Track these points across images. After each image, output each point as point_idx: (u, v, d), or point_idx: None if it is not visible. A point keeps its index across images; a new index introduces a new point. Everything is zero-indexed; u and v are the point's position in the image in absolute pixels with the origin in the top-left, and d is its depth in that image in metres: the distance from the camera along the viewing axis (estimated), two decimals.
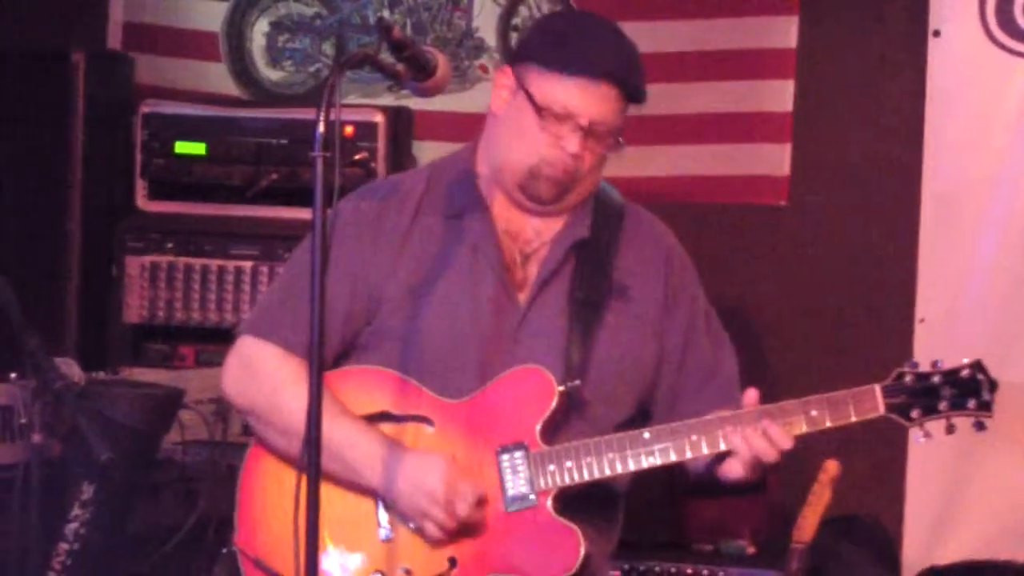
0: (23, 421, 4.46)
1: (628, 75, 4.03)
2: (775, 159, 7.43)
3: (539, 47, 4.08)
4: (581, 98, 3.96)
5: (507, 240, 4.11)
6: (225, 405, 5.43)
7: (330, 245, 3.87)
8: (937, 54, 7.37)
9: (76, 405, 4.49)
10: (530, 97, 3.99)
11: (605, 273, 4.10)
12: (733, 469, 3.92)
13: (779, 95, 7.44)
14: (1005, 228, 7.30)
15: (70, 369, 4.87)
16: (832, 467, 5.64)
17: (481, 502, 3.89)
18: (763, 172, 7.40)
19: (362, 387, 4.04)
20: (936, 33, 7.36)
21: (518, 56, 4.16)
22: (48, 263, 6.83)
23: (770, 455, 3.86)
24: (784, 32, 7.43)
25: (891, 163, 7.40)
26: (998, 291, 7.27)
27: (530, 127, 4.00)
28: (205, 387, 5.13)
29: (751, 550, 6.63)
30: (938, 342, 7.32)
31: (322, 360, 3.55)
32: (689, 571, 6.47)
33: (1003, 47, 7.31)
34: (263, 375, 4.04)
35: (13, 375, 4.47)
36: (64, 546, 4.55)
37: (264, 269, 6.81)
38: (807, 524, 5.72)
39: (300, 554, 3.39)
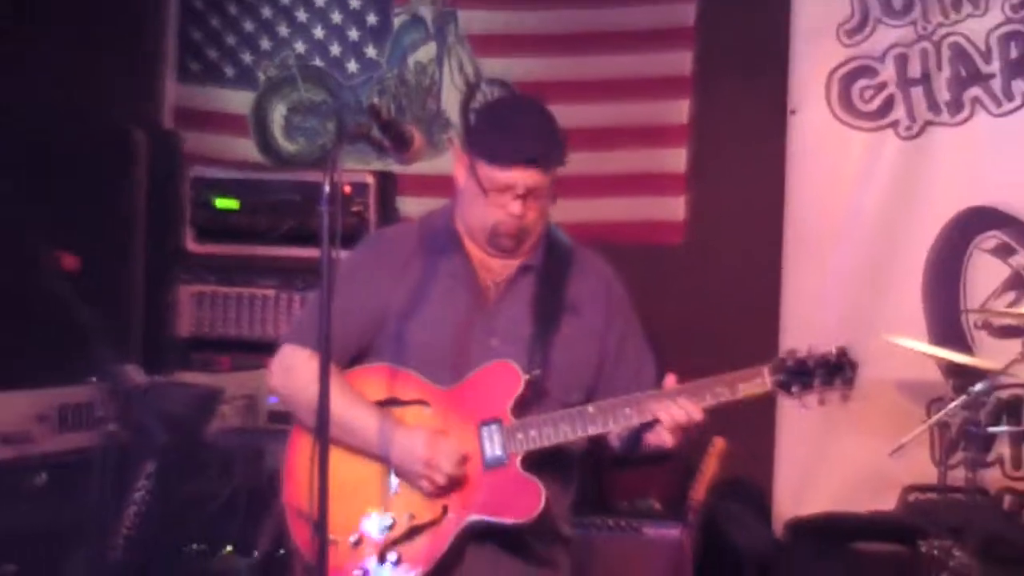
0: (100, 414, 4.44)
1: (549, 155, 4.02)
2: (673, 208, 7.45)
3: (480, 141, 4.06)
4: (515, 178, 3.96)
5: (482, 271, 4.12)
6: (254, 400, 5.43)
7: (349, 279, 4.08)
8: (794, 127, 7.38)
9: (140, 401, 4.48)
10: (479, 181, 4.00)
11: (559, 294, 4.11)
12: (659, 437, 3.93)
13: (675, 159, 7.46)
14: (848, 260, 7.34)
15: (136, 373, 4.85)
16: (719, 443, 5.66)
17: (463, 461, 3.91)
18: (664, 218, 7.41)
19: (376, 380, 4.06)
20: (793, 112, 7.38)
21: (468, 144, 4.15)
22: (119, 292, 6.80)
23: (686, 422, 3.88)
24: (678, 111, 7.45)
25: (761, 211, 7.40)
26: (843, 307, 7.28)
27: (482, 199, 4.01)
28: (238, 387, 5.12)
29: (658, 507, 6.62)
30: (796, 345, 7.33)
31: (328, 359, 3.60)
32: (611, 523, 6.46)
33: (843, 122, 7.34)
34: (298, 373, 4.03)
35: (92, 379, 4.44)
36: (132, 509, 4.53)
37: (283, 296, 6.81)
38: (700, 486, 5.73)
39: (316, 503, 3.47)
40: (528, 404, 3.99)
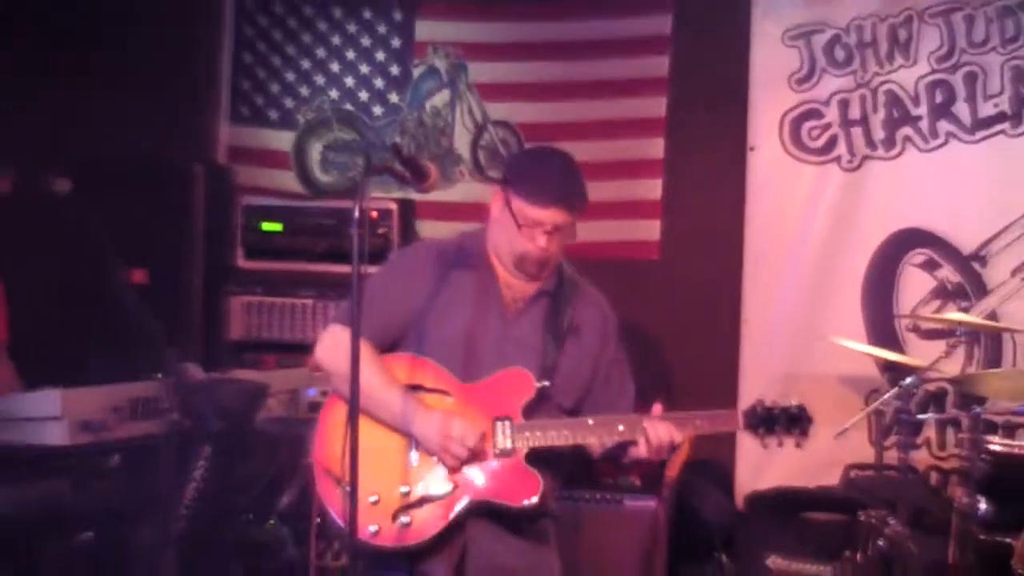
0: (164, 406, 4.45)
1: (574, 199, 4.12)
2: (651, 229, 7.45)
3: (516, 181, 4.11)
4: (545, 216, 4.03)
5: (505, 289, 4.18)
6: (295, 394, 5.44)
7: (394, 276, 4.22)
8: (752, 162, 7.40)
9: (198, 394, 4.49)
10: (513, 215, 4.05)
11: (566, 318, 4.17)
12: (639, 452, 4.04)
13: (653, 189, 7.46)
14: (796, 274, 7.35)
15: (195, 371, 4.86)
16: None
17: (482, 439, 3.96)
18: (643, 238, 7.42)
19: (404, 366, 4.09)
20: (752, 148, 7.39)
21: (506, 182, 4.16)
22: (181, 302, 6.81)
23: (668, 445, 3.99)
24: (655, 148, 7.46)
25: (725, 231, 7.40)
26: (794, 313, 7.30)
27: (515, 231, 4.06)
28: (282, 382, 5.15)
29: (638, 483, 6.60)
30: (754, 345, 7.35)
31: (357, 359, 3.64)
32: (598, 496, 6.46)
33: (794, 157, 7.35)
34: (341, 348, 3.96)
35: (158, 376, 4.46)
36: (191, 487, 4.54)
37: (320, 305, 6.83)
38: (674, 466, 5.73)
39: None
40: (534, 407, 4.05)
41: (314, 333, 6.76)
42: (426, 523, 3.98)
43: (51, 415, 4.25)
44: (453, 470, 4.00)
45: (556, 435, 3.99)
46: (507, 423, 4.02)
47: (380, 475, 3.94)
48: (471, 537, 4.04)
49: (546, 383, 4.06)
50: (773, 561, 6.81)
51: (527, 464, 3.99)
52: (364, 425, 3.88)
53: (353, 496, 3.65)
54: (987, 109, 7.18)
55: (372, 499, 3.97)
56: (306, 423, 5.35)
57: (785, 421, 4.05)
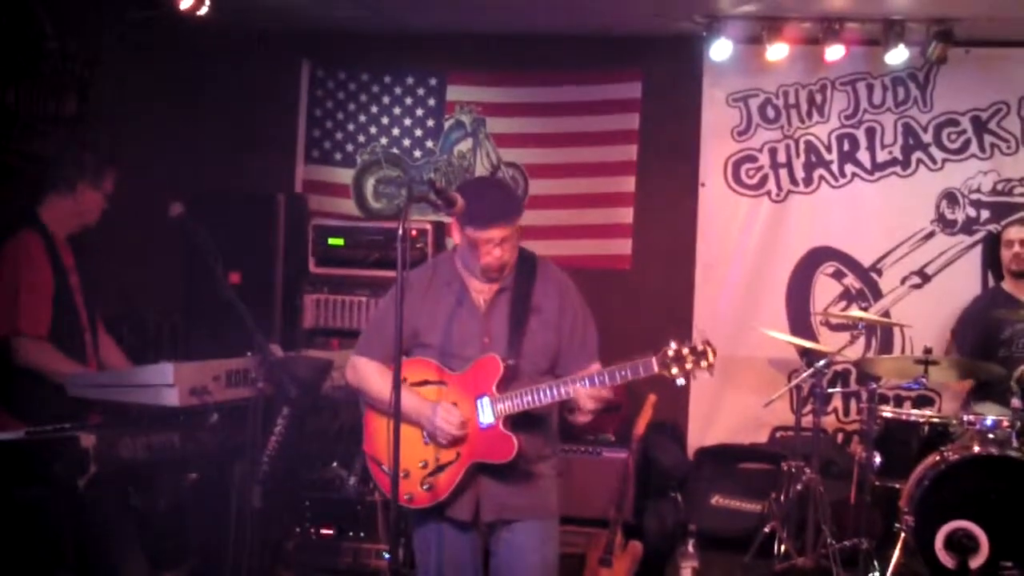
0: (253, 376, 4.44)
1: (509, 214, 4.00)
2: (624, 247, 7.41)
3: (464, 216, 3.98)
4: (489, 235, 3.95)
5: (474, 294, 4.09)
6: None
7: (390, 307, 4.04)
8: (703, 195, 7.40)
9: (279, 368, 4.49)
10: (466, 238, 3.99)
11: (527, 301, 4.07)
12: (586, 403, 3.91)
13: (625, 216, 7.42)
14: (735, 281, 7.35)
15: (277, 350, 4.86)
16: (651, 397, 5.64)
17: (462, 425, 3.93)
18: (618, 253, 7.38)
19: (415, 367, 4.04)
20: (702, 185, 7.40)
21: (458, 218, 4.01)
22: (267, 298, 6.83)
23: (598, 398, 3.89)
24: (628, 184, 7.42)
25: (681, 249, 7.40)
26: (734, 311, 7.29)
27: (474, 251, 3.99)
28: (343, 360, 5.13)
29: (612, 439, 6.61)
30: (702, 336, 7.34)
31: (400, 354, 3.67)
32: (580, 448, 6.48)
33: (735, 191, 7.35)
34: (362, 373, 4.09)
35: (249, 353, 4.46)
36: (273, 439, 4.52)
37: (372, 302, 6.78)
38: (640, 425, 5.71)
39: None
40: (509, 381, 3.97)
41: (367, 323, 6.83)
42: (444, 484, 3.98)
43: (166, 383, 4.25)
44: (451, 444, 3.97)
45: (520, 402, 3.91)
46: (485, 399, 3.95)
47: (406, 456, 3.88)
48: (482, 487, 4.03)
49: (511, 361, 3.97)
50: (716, 500, 6.81)
51: (504, 429, 3.92)
52: (391, 422, 3.92)
53: (395, 482, 3.68)
54: (883, 156, 7.21)
55: (402, 475, 3.96)
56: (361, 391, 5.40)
57: (694, 356, 3.81)
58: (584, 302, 4.22)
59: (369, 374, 4.10)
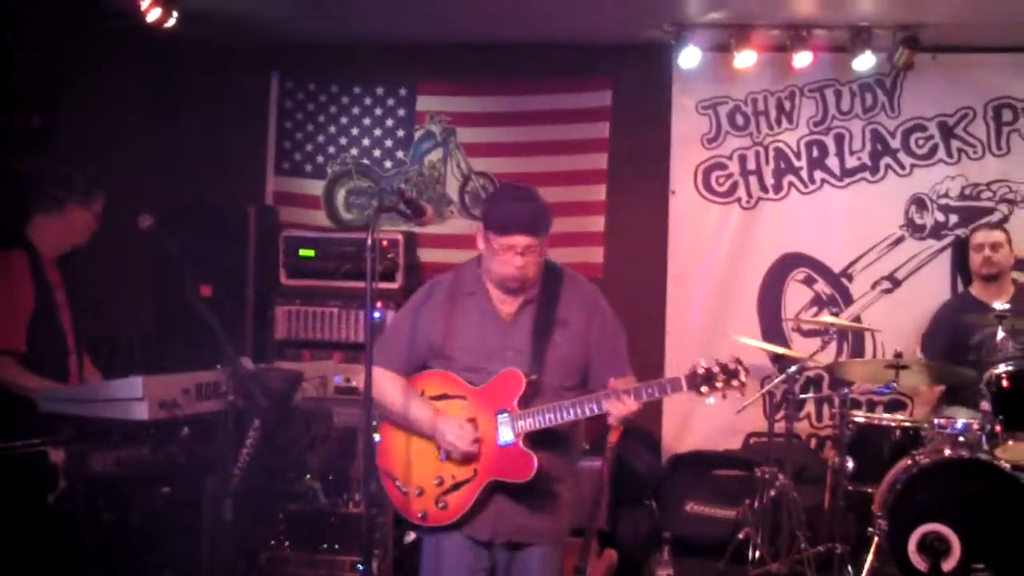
0: (223, 389, 4.40)
1: (537, 225, 3.90)
2: (595, 254, 7.42)
3: (489, 219, 3.92)
4: (512, 242, 3.85)
5: (499, 305, 3.98)
6: (325, 380, 5.37)
7: (412, 313, 4.05)
8: (673, 202, 7.42)
9: (250, 380, 4.46)
10: (491, 246, 3.89)
11: (552, 314, 3.96)
12: (612, 420, 3.78)
13: (597, 223, 7.44)
14: (707, 288, 7.37)
15: (247, 362, 4.82)
16: None
17: (477, 442, 3.84)
18: (590, 260, 7.36)
19: (434, 381, 3.97)
20: (673, 192, 7.42)
21: (484, 221, 3.94)
22: (238, 311, 6.82)
23: (628, 414, 3.76)
24: (599, 192, 7.45)
25: (652, 257, 7.42)
26: (705, 317, 7.31)
27: (495, 258, 3.89)
28: (314, 371, 5.11)
29: (586, 447, 6.57)
30: (675, 343, 7.36)
31: (369, 367, 3.62)
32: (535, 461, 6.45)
33: (705, 199, 7.38)
34: (377, 385, 3.91)
35: (219, 366, 4.43)
36: (244, 451, 4.49)
37: (343, 313, 6.81)
38: (614, 433, 5.70)
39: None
40: (531, 396, 3.87)
41: (340, 334, 6.83)
42: (459, 503, 3.90)
43: (135, 396, 4.22)
44: (466, 461, 3.89)
45: (542, 419, 3.81)
46: (506, 415, 3.85)
47: (420, 472, 3.87)
48: (500, 507, 3.93)
49: (533, 376, 3.86)
50: (691, 507, 6.82)
51: (524, 447, 3.82)
52: (407, 436, 3.97)
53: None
54: (852, 162, 7.25)
55: (417, 492, 3.91)
56: (334, 402, 5.38)
57: (724, 375, 3.74)
58: (615, 314, 4.13)
59: (384, 384, 3.97)
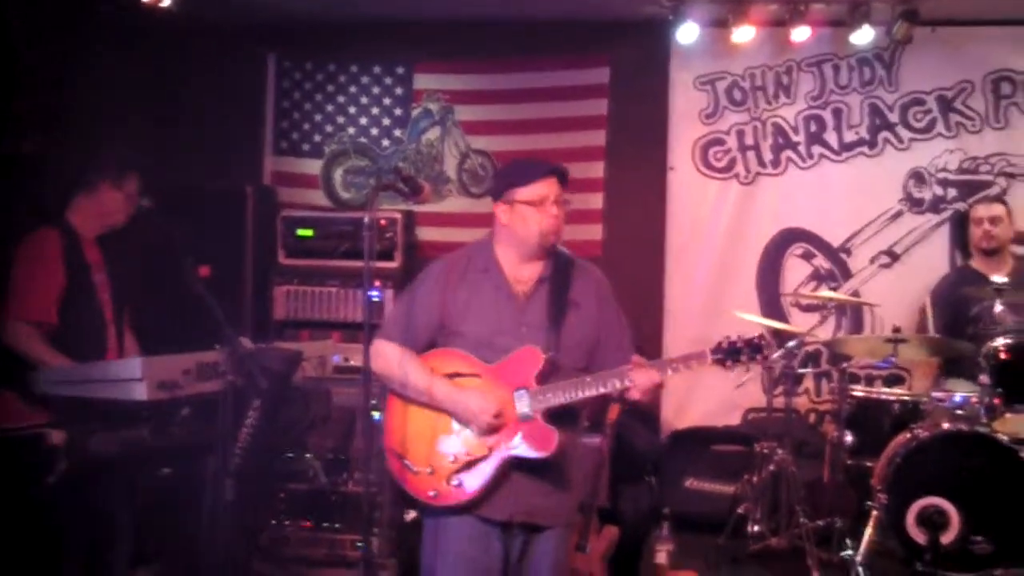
0: (223, 369, 4.40)
1: (559, 170, 3.93)
2: (594, 232, 7.42)
3: (514, 178, 3.94)
4: (546, 188, 3.87)
5: (513, 283, 3.96)
6: (324, 359, 5.38)
7: (422, 289, 4.00)
8: (672, 179, 7.42)
9: (249, 360, 4.47)
10: (526, 203, 3.89)
11: (565, 296, 3.95)
12: (633, 394, 3.79)
13: (596, 201, 7.43)
14: (706, 264, 7.38)
15: (247, 342, 4.82)
16: None
17: (499, 415, 3.81)
18: (589, 239, 7.36)
19: (445, 358, 3.93)
20: (671, 168, 7.41)
21: (502, 192, 3.96)
22: (237, 290, 6.80)
23: (651, 386, 3.77)
24: (597, 169, 7.43)
25: (651, 234, 7.42)
26: (704, 293, 7.33)
27: (531, 215, 3.89)
28: (313, 351, 5.10)
29: (587, 424, 6.55)
30: (674, 320, 7.37)
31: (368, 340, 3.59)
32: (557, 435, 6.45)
33: (703, 174, 7.38)
34: (384, 357, 3.94)
35: (219, 346, 4.43)
36: (245, 431, 4.49)
37: (342, 292, 6.79)
38: (614, 411, 5.71)
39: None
40: (548, 374, 3.85)
41: (339, 313, 6.82)
42: (473, 481, 3.86)
43: (134, 377, 4.22)
44: (485, 436, 3.85)
45: (562, 395, 3.80)
46: (524, 392, 3.83)
47: (431, 450, 3.85)
48: (516, 483, 3.89)
49: (552, 353, 3.84)
50: (690, 482, 6.84)
51: (545, 422, 3.81)
52: (416, 411, 3.91)
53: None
54: (850, 136, 7.24)
55: (428, 470, 3.88)
56: (332, 382, 5.38)
57: (749, 350, 3.73)
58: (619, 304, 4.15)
59: (399, 359, 3.94)
